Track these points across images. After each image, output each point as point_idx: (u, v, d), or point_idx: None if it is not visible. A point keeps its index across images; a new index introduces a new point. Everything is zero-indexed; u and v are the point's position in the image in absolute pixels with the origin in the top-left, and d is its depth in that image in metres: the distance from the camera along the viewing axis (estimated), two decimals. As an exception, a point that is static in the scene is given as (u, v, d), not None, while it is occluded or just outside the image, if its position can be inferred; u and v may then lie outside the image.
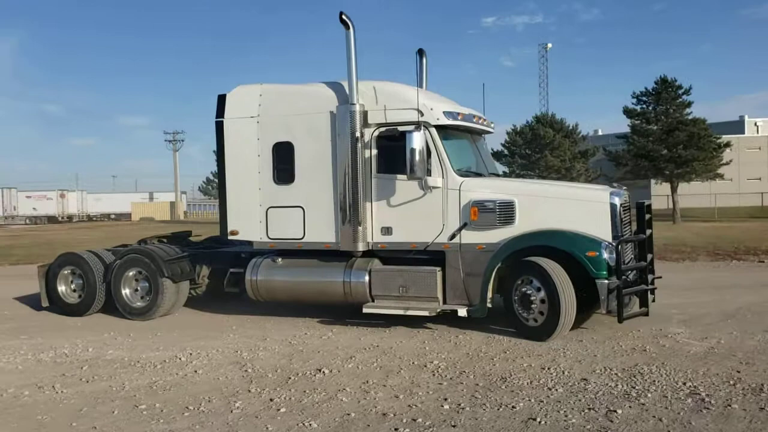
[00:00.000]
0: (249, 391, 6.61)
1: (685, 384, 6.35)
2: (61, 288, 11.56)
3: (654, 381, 6.52)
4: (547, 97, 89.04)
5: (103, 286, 11.20)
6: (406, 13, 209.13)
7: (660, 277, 10.19)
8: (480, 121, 10.34)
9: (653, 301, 9.85)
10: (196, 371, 7.44)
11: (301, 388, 6.59)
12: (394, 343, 8.55)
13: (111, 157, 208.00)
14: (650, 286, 9.09)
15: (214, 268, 11.30)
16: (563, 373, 6.94)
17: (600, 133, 76.20)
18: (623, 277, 8.76)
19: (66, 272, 11.57)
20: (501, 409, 5.82)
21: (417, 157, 8.97)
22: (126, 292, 11.09)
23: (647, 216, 10.03)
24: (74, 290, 11.54)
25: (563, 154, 47.12)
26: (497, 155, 47.61)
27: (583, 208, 9.04)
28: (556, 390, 6.36)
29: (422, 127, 9.13)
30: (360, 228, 9.59)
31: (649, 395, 6.07)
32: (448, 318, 9.37)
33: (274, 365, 7.58)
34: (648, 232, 9.83)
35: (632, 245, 9.54)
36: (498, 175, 10.81)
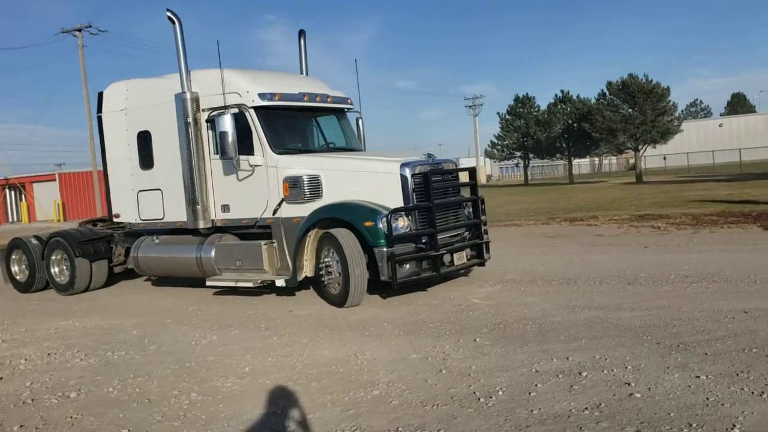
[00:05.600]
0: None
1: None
2: (14, 268, 13.26)
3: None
4: None
5: (42, 266, 12.73)
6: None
7: (488, 242, 10.14)
8: (317, 100, 10.59)
9: (482, 264, 9.96)
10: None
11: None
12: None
13: (448, 124, 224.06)
14: (441, 252, 9.08)
15: (127, 248, 12.48)
16: None
17: None
18: (415, 244, 9.02)
19: (15, 256, 13.24)
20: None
21: (228, 139, 9.53)
22: (54, 270, 12.53)
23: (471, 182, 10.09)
24: (23, 270, 13.18)
25: None
26: None
27: (375, 180, 9.24)
28: None
29: (233, 109, 9.68)
30: (199, 207, 10.31)
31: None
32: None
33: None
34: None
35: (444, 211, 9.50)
36: (353, 150, 11.01)
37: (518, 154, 64.47)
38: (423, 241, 9.16)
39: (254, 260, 9.90)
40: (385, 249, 8.68)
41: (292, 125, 10.61)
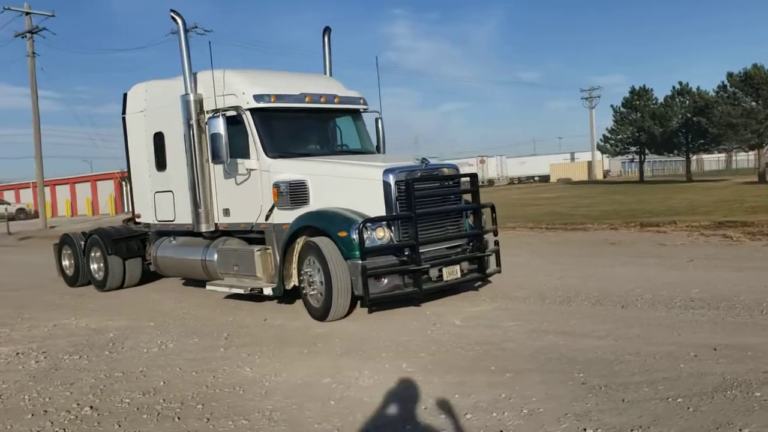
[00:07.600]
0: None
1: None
2: (64, 263, 13.95)
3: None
4: None
5: (84, 262, 13.29)
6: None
7: (492, 254, 9.46)
8: (322, 101, 10.25)
9: (483, 279, 9.43)
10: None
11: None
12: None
13: (571, 117, 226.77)
14: (423, 266, 8.51)
15: (158, 246, 12.78)
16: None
17: None
18: (397, 257, 8.59)
19: (66, 251, 13.91)
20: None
21: (217, 143, 9.38)
22: (93, 267, 13.04)
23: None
24: (71, 265, 13.82)
25: None
26: None
27: (359, 187, 8.81)
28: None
29: (230, 111, 9.54)
30: (201, 210, 10.30)
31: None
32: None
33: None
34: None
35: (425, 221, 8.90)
36: (366, 153, 10.64)
37: (633, 149, 61.08)
38: (406, 253, 8.65)
39: (248, 266, 9.76)
40: (359, 261, 8.27)
41: (293, 127, 10.32)
